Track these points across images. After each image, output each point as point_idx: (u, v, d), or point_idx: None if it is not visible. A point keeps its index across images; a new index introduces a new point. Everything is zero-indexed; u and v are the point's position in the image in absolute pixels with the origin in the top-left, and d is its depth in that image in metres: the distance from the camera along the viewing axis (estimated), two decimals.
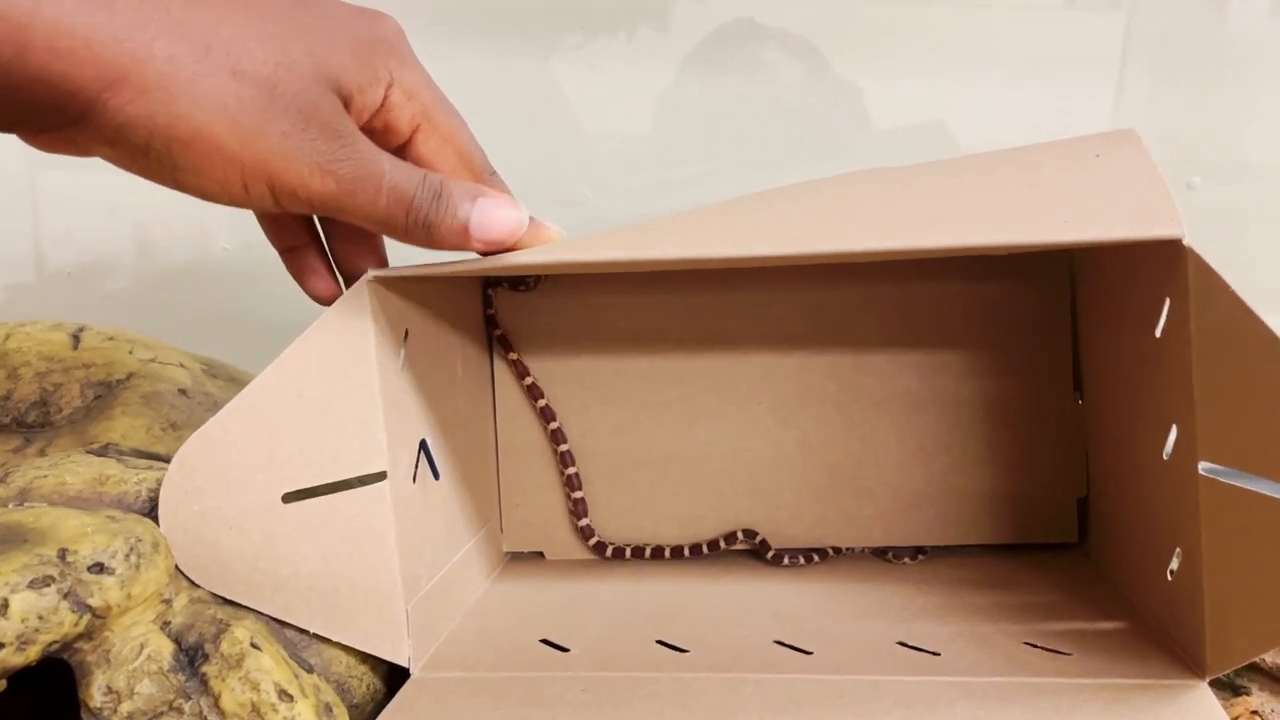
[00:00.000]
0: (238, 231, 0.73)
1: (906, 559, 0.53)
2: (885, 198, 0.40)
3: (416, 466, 0.44)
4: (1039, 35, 0.68)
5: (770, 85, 0.69)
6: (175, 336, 0.56)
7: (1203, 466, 0.36)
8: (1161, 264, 0.38)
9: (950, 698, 0.38)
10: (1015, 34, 0.68)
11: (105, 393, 0.47)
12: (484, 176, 0.39)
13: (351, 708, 0.39)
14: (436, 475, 0.46)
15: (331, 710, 0.36)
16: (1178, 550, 0.40)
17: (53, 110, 0.28)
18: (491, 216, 0.36)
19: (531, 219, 0.38)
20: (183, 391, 0.49)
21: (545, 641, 0.45)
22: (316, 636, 0.39)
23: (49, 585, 0.32)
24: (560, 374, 0.56)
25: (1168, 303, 0.38)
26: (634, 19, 0.69)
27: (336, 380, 0.39)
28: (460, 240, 0.36)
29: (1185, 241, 0.35)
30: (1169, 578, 0.41)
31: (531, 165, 0.46)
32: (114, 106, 0.28)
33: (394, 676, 0.42)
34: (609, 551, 0.55)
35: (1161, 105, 0.68)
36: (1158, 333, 0.39)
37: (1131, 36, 0.67)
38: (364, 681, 0.40)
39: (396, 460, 0.41)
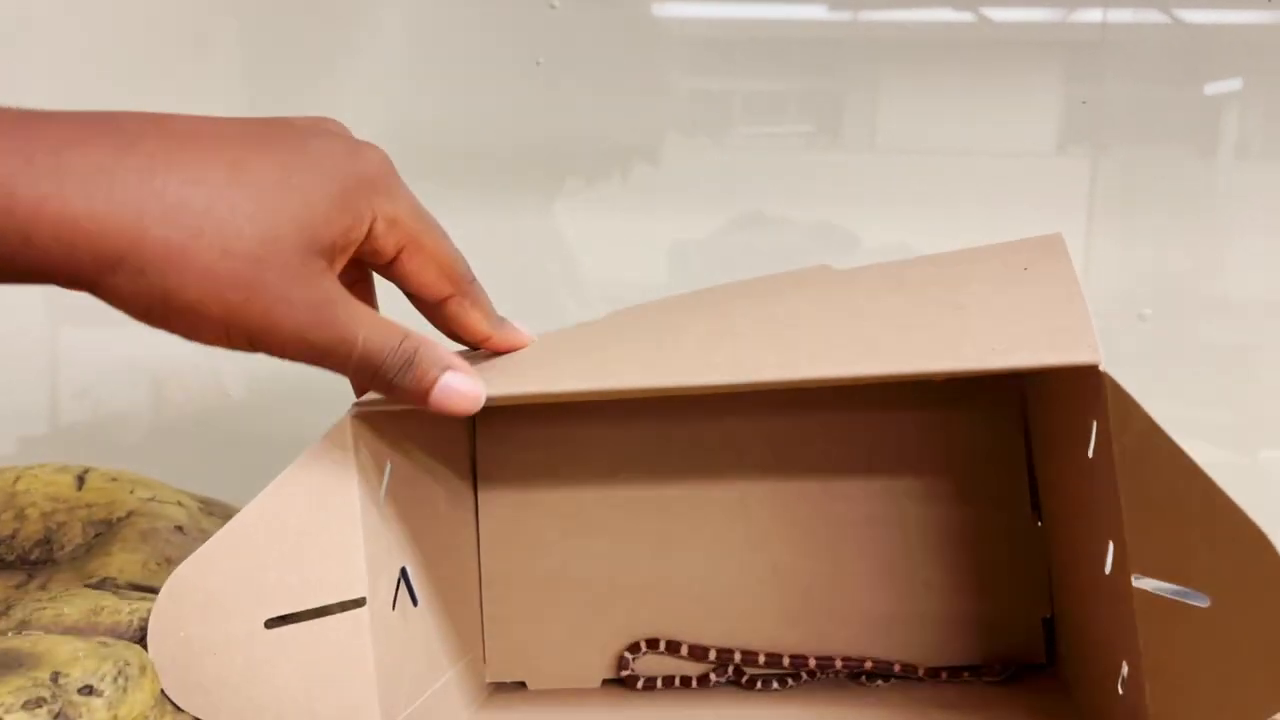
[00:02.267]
0: (246, 378, 0.77)
1: (880, 681, 0.55)
2: (826, 317, 0.43)
3: (396, 594, 0.46)
4: (1017, 178, 0.73)
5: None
6: (181, 478, 0.59)
7: (1134, 579, 0.38)
8: (1087, 388, 0.40)
9: None
10: (995, 177, 0.73)
11: (105, 530, 0.50)
12: (464, 285, 0.41)
13: None
14: (415, 602, 0.48)
15: None
16: (1124, 665, 0.41)
17: (59, 284, 0.32)
18: (453, 391, 0.39)
19: (504, 321, 0.43)
20: (179, 528, 0.51)
21: None
22: None
23: (40, 706, 0.34)
24: (540, 504, 0.58)
25: (1095, 425, 0.41)
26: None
27: (318, 510, 0.42)
28: (418, 402, 0.39)
29: (1101, 367, 0.38)
30: (1119, 691, 0.42)
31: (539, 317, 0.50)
32: (112, 284, 0.32)
33: None
34: (639, 684, 0.56)
35: (1129, 240, 0.73)
36: (1090, 453, 0.42)
37: (1099, 178, 0.73)
38: None
39: (376, 588, 0.43)
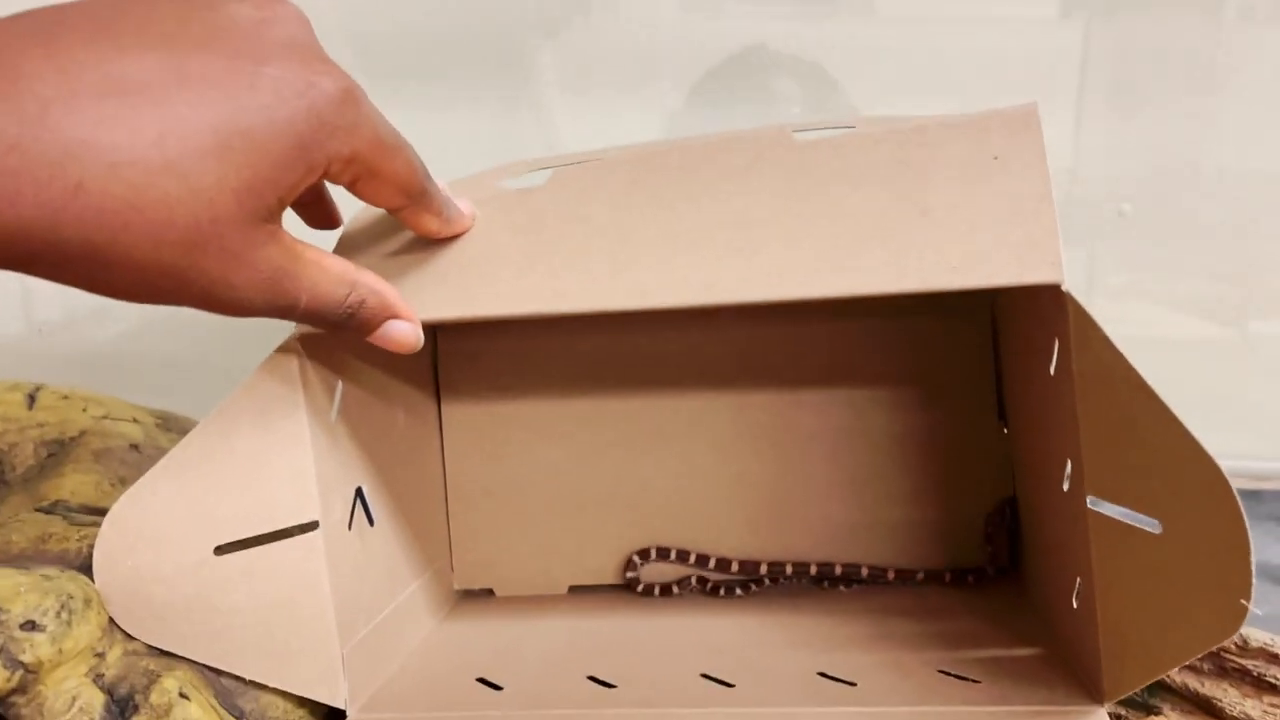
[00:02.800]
0: None
1: (841, 586, 0.55)
2: (783, 224, 0.40)
3: (352, 514, 0.46)
4: (1015, 46, 0.70)
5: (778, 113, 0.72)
6: (138, 390, 0.58)
7: (1089, 501, 0.38)
8: (1050, 304, 0.39)
9: None
10: (994, 47, 0.70)
11: (58, 450, 0.49)
12: (417, 196, 0.39)
13: None
14: (372, 521, 0.47)
15: None
16: (1078, 580, 0.41)
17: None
18: (394, 339, 0.38)
19: (450, 212, 0.41)
20: (134, 447, 0.51)
21: (481, 680, 0.46)
22: (253, 683, 0.41)
23: None
24: (504, 415, 0.57)
25: (1057, 343, 0.40)
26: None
27: (266, 434, 0.41)
28: (362, 339, 0.39)
29: (1064, 287, 0.37)
30: (1074, 605, 0.42)
31: None
32: (28, 271, 0.29)
33: (332, 715, 0.43)
34: (654, 590, 0.57)
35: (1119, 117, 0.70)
36: (1052, 370, 0.41)
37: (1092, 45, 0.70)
38: None
39: (329, 509, 0.43)
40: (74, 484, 0.47)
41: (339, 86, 0.32)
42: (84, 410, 0.52)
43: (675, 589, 0.56)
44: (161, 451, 0.51)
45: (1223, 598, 0.31)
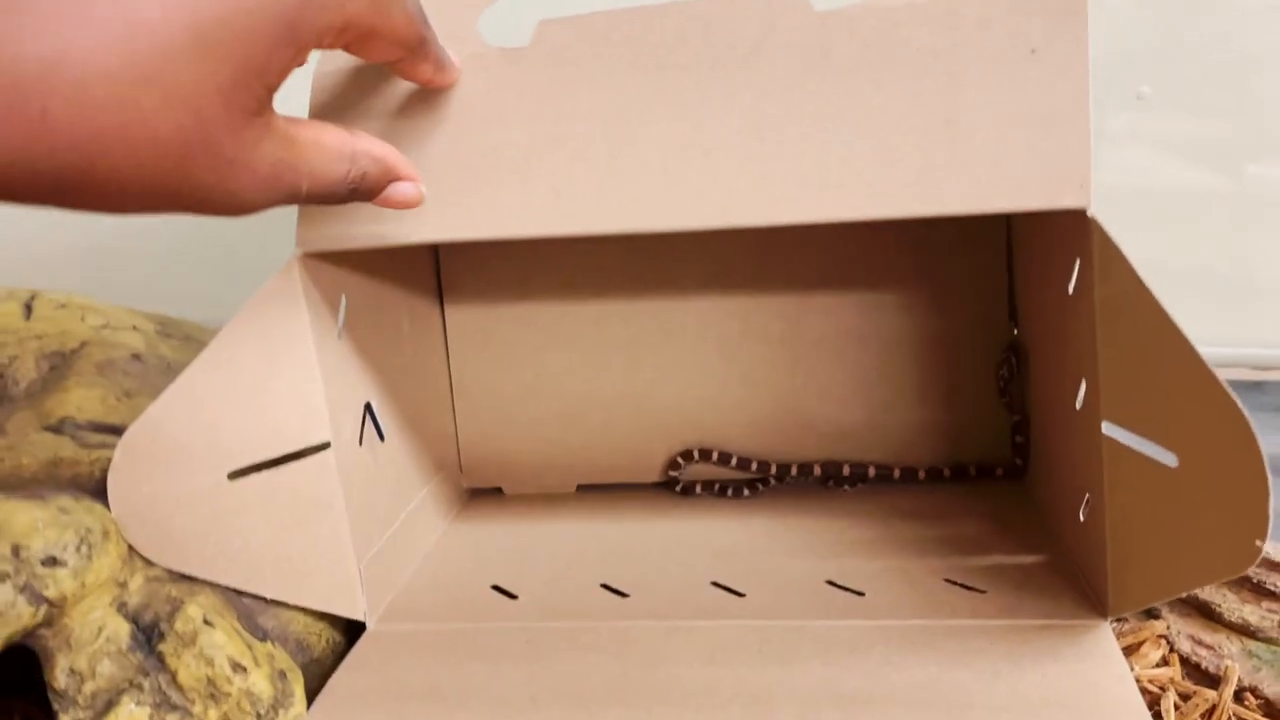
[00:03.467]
0: None
1: (846, 486, 0.56)
2: (801, 137, 0.38)
3: (363, 430, 0.46)
4: None
5: None
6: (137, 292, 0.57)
7: (1105, 426, 0.38)
8: (1074, 225, 0.38)
9: (868, 642, 0.40)
10: None
11: (60, 363, 0.49)
12: (415, 47, 0.36)
13: (311, 662, 0.42)
14: (382, 437, 0.47)
15: (285, 676, 0.38)
16: (1087, 496, 0.42)
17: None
18: (397, 200, 0.36)
19: (445, 61, 0.39)
20: (136, 357, 0.50)
21: (496, 588, 0.47)
22: (274, 601, 0.42)
23: (4, 581, 0.34)
24: (511, 318, 0.57)
25: (1078, 264, 0.39)
26: None
27: (272, 357, 0.40)
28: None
29: (1090, 213, 0.35)
30: (1081, 518, 0.43)
31: None
32: (26, 203, 0.27)
33: (352, 627, 0.44)
34: (696, 489, 0.57)
35: None
36: (1070, 289, 0.40)
37: None
38: (323, 636, 0.43)
39: (339, 428, 0.43)
40: (79, 399, 0.47)
41: None
42: (82, 319, 0.51)
43: (699, 489, 0.57)
44: (164, 361, 0.51)
45: (1236, 537, 0.31)
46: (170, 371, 0.50)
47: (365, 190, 0.35)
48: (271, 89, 0.29)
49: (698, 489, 0.57)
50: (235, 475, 0.40)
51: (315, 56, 0.42)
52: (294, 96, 0.36)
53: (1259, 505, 0.31)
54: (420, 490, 0.52)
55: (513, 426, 0.58)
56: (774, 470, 0.56)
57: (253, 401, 0.40)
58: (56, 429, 0.45)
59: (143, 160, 0.27)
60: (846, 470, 0.55)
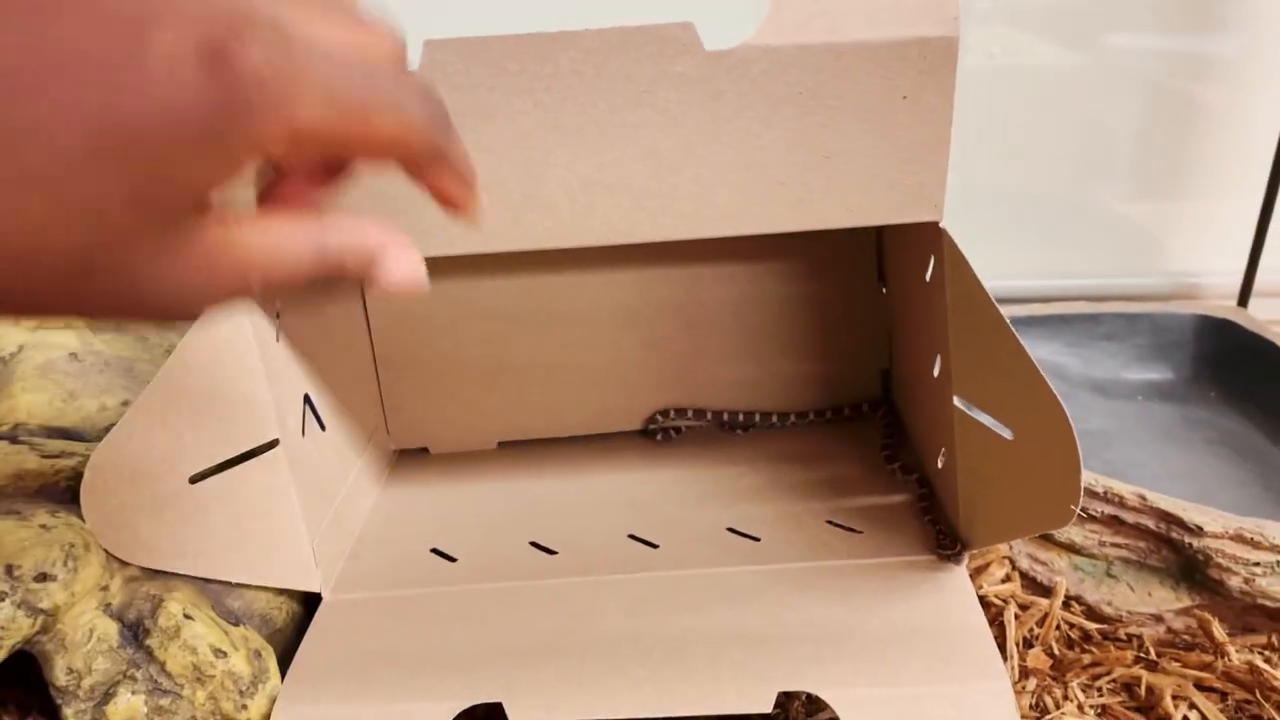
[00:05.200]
0: None
1: (740, 431, 0.63)
2: (697, 164, 0.42)
3: (304, 422, 0.50)
4: None
5: None
6: None
7: (955, 399, 0.45)
8: (930, 231, 0.44)
9: (762, 584, 0.47)
10: None
11: (1, 369, 0.51)
12: (434, 160, 0.27)
13: (275, 633, 0.47)
14: (323, 427, 0.52)
15: (260, 655, 0.43)
16: (943, 449, 0.49)
17: None
18: (390, 286, 0.27)
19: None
20: (73, 355, 0.53)
21: (435, 551, 0.53)
22: (238, 584, 0.46)
23: (3, 600, 0.38)
24: (435, 293, 0.61)
25: (932, 260, 0.45)
26: None
27: (220, 370, 0.44)
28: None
29: (941, 224, 0.42)
30: (939, 465, 0.50)
31: None
32: None
33: (309, 597, 0.49)
34: (659, 436, 0.64)
35: None
36: (927, 277, 0.47)
37: None
38: (284, 609, 0.48)
39: (285, 425, 0.47)
40: (27, 405, 0.49)
41: (261, 45, 0.23)
42: (16, 321, 0.53)
43: (660, 436, 0.64)
44: (99, 356, 0.54)
45: (1057, 501, 0.39)
46: (108, 369, 0.53)
47: (350, 280, 0.28)
48: (201, 197, 0.24)
49: (659, 436, 0.63)
50: (196, 479, 0.44)
51: None
52: None
53: (1073, 479, 0.38)
54: (356, 462, 0.57)
55: (435, 391, 0.63)
56: (690, 415, 0.62)
57: (206, 412, 0.44)
58: (12, 437, 0.48)
59: (32, 275, 0.23)
60: (741, 417, 0.62)
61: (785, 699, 0.45)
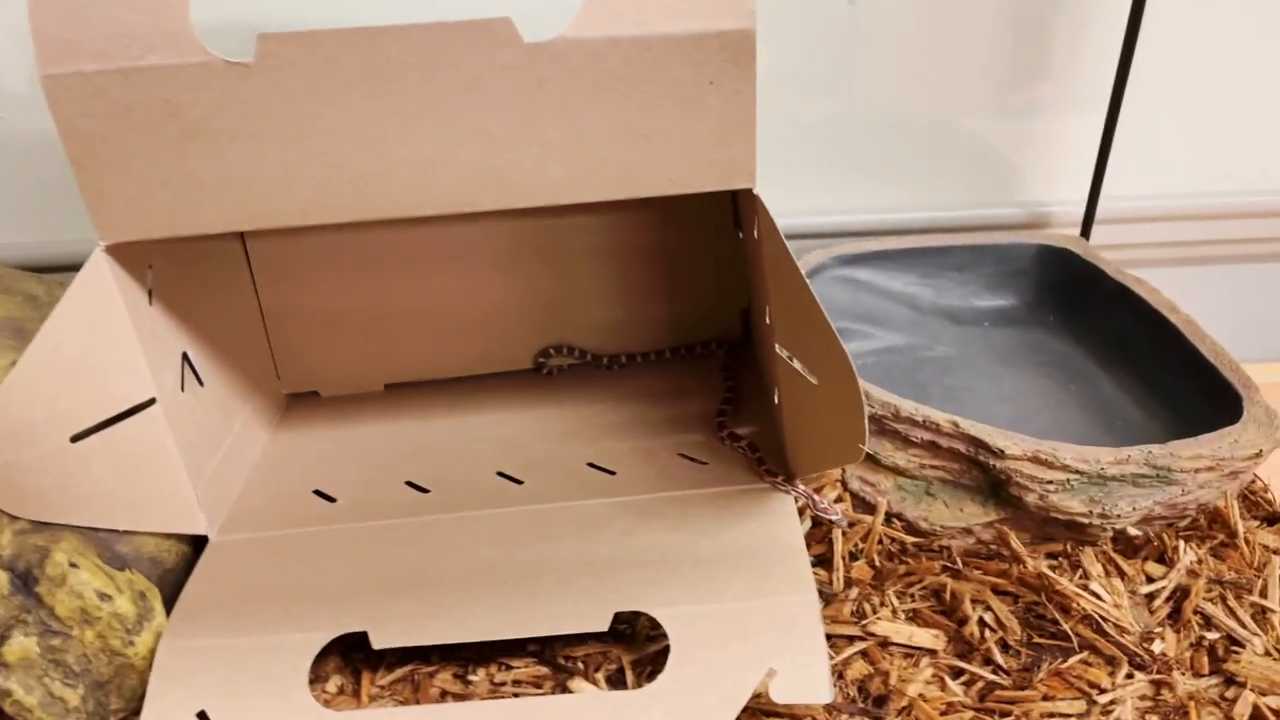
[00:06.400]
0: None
1: (605, 364, 0.67)
2: (529, 143, 0.45)
3: (183, 378, 0.53)
4: None
5: None
6: None
7: (777, 348, 0.49)
8: (747, 197, 0.48)
9: (613, 515, 0.52)
10: None
11: None
12: None
13: (166, 572, 0.51)
14: (201, 382, 0.55)
15: (145, 596, 0.48)
16: (776, 389, 0.54)
17: None
18: None
19: None
20: None
21: (317, 492, 0.57)
22: (126, 531, 0.50)
23: None
24: (309, 246, 0.64)
25: (756, 222, 0.49)
26: None
27: (93, 335, 0.47)
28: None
29: (755, 191, 0.46)
30: (776, 401, 0.55)
31: None
32: None
33: (198, 539, 0.53)
34: (546, 370, 0.69)
35: None
36: (755, 234, 0.51)
37: None
38: (173, 551, 0.52)
39: (162, 382, 0.50)
40: None
41: None
42: None
43: (547, 370, 0.69)
44: None
45: (848, 440, 0.44)
46: None
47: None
48: None
49: (546, 372, 0.68)
50: (77, 438, 0.48)
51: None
52: None
53: (859, 421, 0.43)
54: (244, 409, 0.61)
55: (322, 338, 0.66)
56: (575, 353, 0.67)
57: (82, 375, 0.47)
58: None
59: None
60: (605, 360, 0.67)
61: (632, 619, 0.50)
